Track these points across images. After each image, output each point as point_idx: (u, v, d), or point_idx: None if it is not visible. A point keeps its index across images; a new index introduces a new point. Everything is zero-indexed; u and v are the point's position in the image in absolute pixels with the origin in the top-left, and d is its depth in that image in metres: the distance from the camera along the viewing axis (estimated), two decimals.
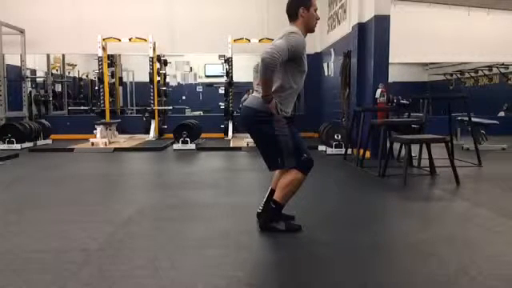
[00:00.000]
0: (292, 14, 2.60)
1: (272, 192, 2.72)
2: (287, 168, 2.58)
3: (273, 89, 2.50)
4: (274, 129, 2.52)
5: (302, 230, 2.66)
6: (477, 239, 2.54)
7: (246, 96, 10.45)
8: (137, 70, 12.26)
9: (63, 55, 11.32)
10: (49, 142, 8.09)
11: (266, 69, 2.34)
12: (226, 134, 8.93)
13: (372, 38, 5.86)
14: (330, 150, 6.46)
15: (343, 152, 6.02)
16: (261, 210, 2.76)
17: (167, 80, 9.98)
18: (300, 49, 2.49)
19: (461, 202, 3.57)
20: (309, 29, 2.64)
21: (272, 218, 2.65)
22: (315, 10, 2.64)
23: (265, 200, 2.76)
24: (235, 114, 9.20)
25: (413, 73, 14.55)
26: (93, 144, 7.39)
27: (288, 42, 2.42)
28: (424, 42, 8.95)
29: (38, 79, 10.00)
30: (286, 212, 2.74)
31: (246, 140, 7.44)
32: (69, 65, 12.02)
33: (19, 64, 8.60)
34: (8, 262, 2.17)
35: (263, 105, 2.48)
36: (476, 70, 12.22)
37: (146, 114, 8.83)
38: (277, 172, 2.75)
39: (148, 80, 8.63)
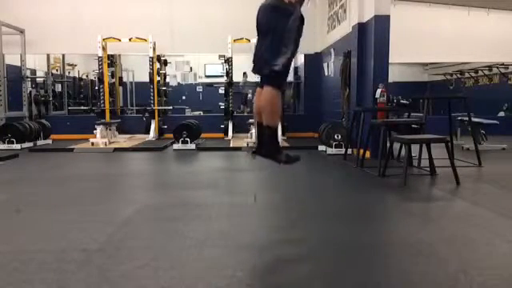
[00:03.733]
0: None
1: (259, 125, 2.69)
2: (265, 83, 2.56)
3: None
4: (291, 21, 2.49)
5: (302, 228, 2.65)
6: (477, 239, 2.54)
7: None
8: (137, 70, 12.26)
9: (63, 55, 11.31)
10: (49, 142, 8.09)
11: None
12: (226, 134, 8.93)
13: (372, 38, 5.85)
14: (330, 150, 6.46)
15: (343, 152, 6.02)
16: (256, 148, 2.74)
17: (167, 80, 9.98)
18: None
19: (461, 202, 3.57)
20: None
21: (272, 146, 2.63)
22: None
23: (256, 136, 2.73)
24: (235, 114, 9.22)
25: (413, 73, 14.55)
26: (93, 144, 7.40)
27: None
28: (424, 42, 8.96)
29: (38, 79, 9.99)
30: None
31: (246, 140, 7.45)
32: (69, 65, 12.02)
33: (19, 64, 8.60)
34: (8, 262, 2.17)
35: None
36: (476, 70, 12.22)
37: (146, 114, 8.83)
38: (255, 103, 2.73)
39: (148, 80, 8.63)
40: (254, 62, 2.66)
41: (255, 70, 2.65)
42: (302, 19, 2.54)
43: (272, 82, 2.55)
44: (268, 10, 2.61)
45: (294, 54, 2.55)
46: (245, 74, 12.15)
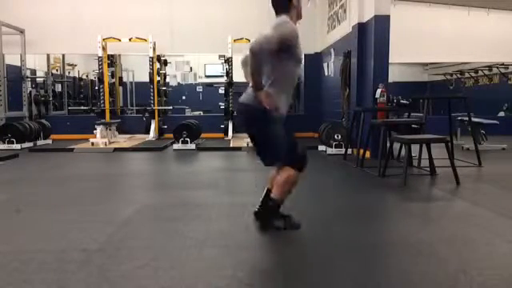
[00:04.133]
0: (282, 6, 2.55)
1: (268, 192, 2.72)
2: (282, 165, 2.58)
3: (266, 81, 2.47)
4: (270, 124, 2.50)
5: (302, 228, 2.66)
6: (477, 239, 2.54)
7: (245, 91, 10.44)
8: (137, 70, 12.25)
9: (63, 55, 11.31)
10: (49, 142, 8.09)
11: (254, 57, 2.32)
12: (226, 134, 8.93)
13: (372, 38, 5.86)
14: (330, 150, 6.46)
15: (343, 152, 6.02)
16: (258, 210, 2.76)
17: (167, 80, 9.97)
18: (293, 37, 2.46)
19: (461, 202, 3.56)
20: (299, 16, 2.62)
21: (271, 215, 2.65)
22: None
23: (262, 199, 2.76)
24: (235, 114, 9.20)
25: (413, 73, 14.54)
26: (93, 144, 7.40)
27: (279, 31, 2.39)
28: (424, 42, 8.96)
29: (38, 79, 9.99)
30: (286, 210, 2.74)
31: (246, 140, 7.44)
32: (69, 65, 12.02)
33: (19, 64, 8.60)
34: (8, 262, 2.17)
35: (258, 100, 2.46)
36: (476, 70, 12.22)
37: (146, 114, 8.83)
38: (273, 171, 2.75)
39: (148, 80, 8.63)
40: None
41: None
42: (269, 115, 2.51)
43: (286, 164, 2.57)
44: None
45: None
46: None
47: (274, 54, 2.42)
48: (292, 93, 2.70)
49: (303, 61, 10.13)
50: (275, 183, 2.63)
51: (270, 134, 2.52)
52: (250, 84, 2.56)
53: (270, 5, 2.63)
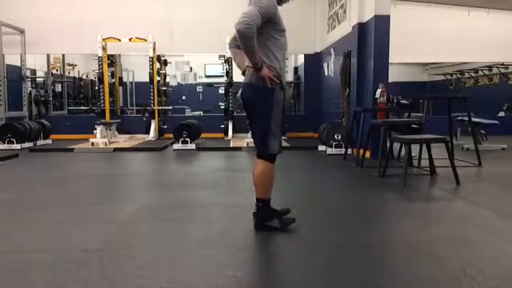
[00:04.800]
0: None
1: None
2: (258, 156, 2.58)
3: (263, 58, 2.47)
4: (272, 106, 2.50)
5: (301, 228, 2.66)
6: (477, 239, 2.54)
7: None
8: (137, 70, 12.25)
9: (63, 55, 11.31)
10: (49, 142, 8.09)
11: (245, 38, 2.30)
12: (226, 134, 8.93)
13: (372, 37, 5.86)
14: (329, 150, 6.46)
15: (343, 152, 6.02)
16: (255, 210, 2.76)
17: (167, 80, 9.97)
18: (272, 7, 2.43)
19: (461, 202, 3.56)
20: None
21: (264, 216, 2.64)
22: None
23: (255, 200, 2.76)
24: (235, 114, 9.21)
25: (413, 73, 14.54)
26: (93, 144, 7.40)
27: (257, 5, 2.36)
28: (424, 42, 8.96)
29: (38, 79, 10.00)
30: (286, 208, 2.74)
31: (246, 140, 7.44)
32: (69, 65, 12.02)
33: (19, 64, 8.60)
34: (8, 262, 2.17)
35: (259, 79, 2.45)
36: (476, 70, 12.22)
37: (146, 114, 8.84)
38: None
39: (148, 80, 8.63)
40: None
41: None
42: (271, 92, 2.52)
43: (263, 157, 2.58)
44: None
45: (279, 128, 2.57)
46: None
47: (259, 30, 2.38)
48: (284, 65, 2.66)
49: (303, 60, 10.21)
50: (255, 183, 2.61)
51: (268, 115, 2.51)
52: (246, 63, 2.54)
53: None
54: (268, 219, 2.64)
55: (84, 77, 12.91)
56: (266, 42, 2.49)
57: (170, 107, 9.46)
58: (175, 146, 7.20)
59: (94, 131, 7.64)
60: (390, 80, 6.27)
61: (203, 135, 8.35)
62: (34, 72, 10.08)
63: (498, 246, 2.43)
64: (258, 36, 2.40)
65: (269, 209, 2.64)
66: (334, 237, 2.63)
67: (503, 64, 11.02)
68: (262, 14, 2.35)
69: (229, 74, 8.87)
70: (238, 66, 2.69)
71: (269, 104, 2.51)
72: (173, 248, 2.40)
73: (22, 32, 8.54)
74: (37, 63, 10.35)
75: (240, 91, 2.68)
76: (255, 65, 2.42)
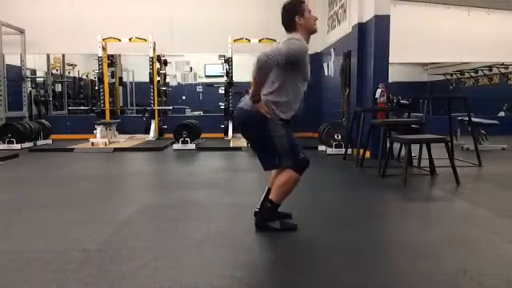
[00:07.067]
0: (289, 25, 2.59)
1: (268, 191, 2.73)
2: (283, 167, 2.58)
3: (271, 91, 2.49)
4: (270, 130, 2.51)
5: (301, 229, 2.66)
6: (477, 239, 2.54)
7: (245, 97, 10.44)
8: (137, 70, 12.25)
9: (63, 55, 11.31)
10: (49, 142, 8.09)
11: (259, 68, 2.33)
12: (226, 134, 8.93)
13: (372, 38, 5.86)
14: (329, 150, 6.46)
15: (343, 152, 6.02)
16: (258, 209, 2.77)
17: (167, 80, 9.97)
18: (302, 54, 2.47)
19: (461, 202, 3.56)
20: (310, 31, 2.63)
21: (267, 216, 2.66)
22: (309, 11, 2.61)
23: (262, 199, 2.77)
24: (235, 114, 9.20)
25: (413, 73, 14.55)
26: (93, 144, 7.40)
27: (288, 47, 2.42)
28: (424, 42, 8.96)
29: (38, 79, 10.00)
30: (284, 208, 2.74)
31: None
32: (69, 65, 12.02)
33: (19, 64, 8.60)
34: (8, 262, 2.17)
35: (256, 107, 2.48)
36: (476, 70, 12.22)
37: (146, 114, 8.83)
38: (273, 172, 2.76)
39: (148, 80, 8.63)
40: None
41: None
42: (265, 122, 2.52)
43: (288, 167, 2.58)
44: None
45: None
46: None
47: (281, 67, 2.43)
48: (297, 107, 2.68)
49: None
50: (274, 185, 2.63)
51: (269, 137, 2.53)
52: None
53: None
54: (270, 219, 2.66)
55: (84, 77, 12.91)
56: (286, 79, 2.50)
57: (170, 107, 9.46)
58: (175, 146, 7.20)
59: (94, 131, 7.64)
60: (390, 80, 6.27)
61: (203, 135, 8.35)
62: (34, 72, 10.08)
63: (497, 246, 2.43)
64: (281, 74, 2.46)
65: (275, 212, 2.66)
66: (334, 237, 2.63)
67: (503, 64, 11.02)
68: (290, 55, 2.40)
69: (229, 73, 8.87)
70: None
71: (263, 129, 2.52)
72: (173, 248, 2.40)
73: (22, 32, 8.54)
74: (37, 63, 10.35)
75: (236, 114, 2.72)
76: (254, 95, 2.44)
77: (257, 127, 2.54)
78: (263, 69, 2.34)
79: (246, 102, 2.59)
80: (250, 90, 2.52)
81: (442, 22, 8.98)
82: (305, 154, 2.61)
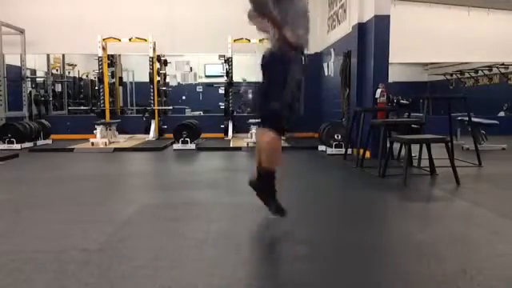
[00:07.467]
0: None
1: (259, 163, 2.75)
2: (265, 127, 2.61)
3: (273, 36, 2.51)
4: (288, 68, 2.53)
5: (301, 229, 2.66)
6: (477, 239, 2.54)
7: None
8: (137, 70, 12.26)
9: (63, 55, 11.31)
10: (49, 142, 8.09)
11: (259, 4, 2.37)
12: (226, 134, 8.93)
13: (372, 38, 5.85)
14: (329, 150, 6.46)
15: (343, 152, 6.02)
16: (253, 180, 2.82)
17: (167, 80, 9.98)
18: None
19: (461, 202, 3.56)
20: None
21: (264, 188, 2.65)
22: None
23: (255, 169, 2.79)
24: (235, 114, 9.20)
25: (413, 73, 14.54)
26: (93, 144, 7.40)
27: None
28: (424, 42, 8.96)
29: (38, 79, 10.00)
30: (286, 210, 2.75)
31: (246, 140, 7.45)
32: (69, 65, 12.02)
33: (19, 64, 8.60)
34: (8, 262, 2.17)
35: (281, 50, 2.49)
36: (476, 70, 12.22)
37: (146, 114, 8.84)
38: (257, 143, 2.77)
39: (148, 80, 8.63)
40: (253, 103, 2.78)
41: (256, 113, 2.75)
42: (286, 60, 2.53)
43: (268, 125, 2.59)
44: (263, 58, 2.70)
45: (287, 97, 2.57)
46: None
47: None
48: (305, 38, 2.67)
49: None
50: (260, 152, 2.63)
51: (279, 76, 2.53)
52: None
53: None
54: (266, 197, 2.68)
55: (84, 77, 12.91)
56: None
57: (170, 107, 9.47)
58: (175, 146, 7.20)
59: (94, 131, 7.64)
60: (390, 80, 6.27)
61: (203, 135, 8.35)
62: (34, 72, 10.08)
63: (497, 245, 2.43)
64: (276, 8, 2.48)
65: (270, 185, 2.65)
66: (334, 237, 2.63)
67: (503, 64, 11.02)
68: None
69: (229, 73, 8.87)
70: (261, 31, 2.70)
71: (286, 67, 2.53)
72: (173, 248, 2.40)
73: (22, 32, 8.54)
74: (37, 63, 10.35)
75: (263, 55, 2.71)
76: (277, 23, 2.45)
77: (280, 65, 2.54)
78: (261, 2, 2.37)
79: (268, 48, 2.60)
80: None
81: (441, 22, 8.98)
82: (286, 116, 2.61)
